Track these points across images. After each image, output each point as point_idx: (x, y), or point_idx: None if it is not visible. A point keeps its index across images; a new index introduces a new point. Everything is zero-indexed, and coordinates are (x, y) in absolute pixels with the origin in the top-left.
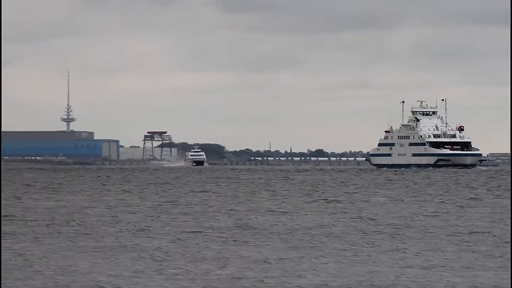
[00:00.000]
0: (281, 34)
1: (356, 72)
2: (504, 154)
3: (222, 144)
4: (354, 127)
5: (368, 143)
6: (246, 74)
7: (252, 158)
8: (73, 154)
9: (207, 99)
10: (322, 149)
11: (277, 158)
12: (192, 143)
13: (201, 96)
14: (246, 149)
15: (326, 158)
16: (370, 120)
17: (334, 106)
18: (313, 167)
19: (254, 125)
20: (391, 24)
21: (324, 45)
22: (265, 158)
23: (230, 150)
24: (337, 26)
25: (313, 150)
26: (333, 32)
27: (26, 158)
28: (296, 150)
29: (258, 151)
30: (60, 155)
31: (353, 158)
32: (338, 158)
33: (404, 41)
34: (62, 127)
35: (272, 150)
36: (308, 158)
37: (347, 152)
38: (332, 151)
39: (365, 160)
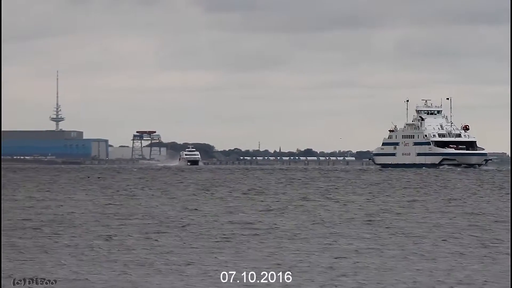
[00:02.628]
0: (268, 33)
1: (345, 71)
2: (495, 154)
3: (211, 144)
4: (343, 127)
5: (358, 143)
6: (234, 73)
7: (241, 157)
8: (62, 153)
9: (196, 99)
10: (311, 149)
11: (266, 158)
12: (181, 142)
13: (190, 95)
14: (235, 148)
15: (315, 158)
16: (359, 119)
17: (323, 106)
18: (314, 167)
19: (243, 124)
20: (379, 23)
21: (312, 44)
22: (254, 157)
23: (219, 150)
24: (325, 25)
25: (302, 149)
26: (321, 31)
27: (14, 157)
28: (285, 149)
29: (247, 151)
30: (49, 154)
31: (342, 158)
32: (327, 158)
33: (392, 40)
34: (51, 126)
35: (261, 149)
36: (297, 157)
37: (336, 151)
38: (321, 150)
39: (369, 159)
